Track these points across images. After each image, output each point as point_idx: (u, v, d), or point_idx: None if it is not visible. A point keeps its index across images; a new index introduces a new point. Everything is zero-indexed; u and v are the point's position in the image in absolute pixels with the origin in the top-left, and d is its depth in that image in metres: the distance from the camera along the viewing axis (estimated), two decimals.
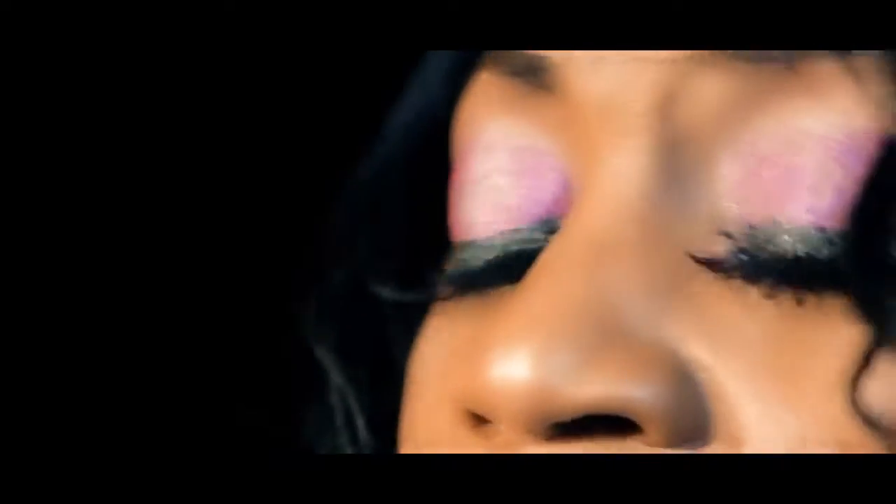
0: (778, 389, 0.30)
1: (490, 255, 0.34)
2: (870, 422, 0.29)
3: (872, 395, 0.29)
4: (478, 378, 0.30)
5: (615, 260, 0.30)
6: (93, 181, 0.61)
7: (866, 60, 0.30)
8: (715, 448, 0.30)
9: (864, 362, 0.29)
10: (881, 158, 0.30)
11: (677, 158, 0.32)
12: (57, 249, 0.62)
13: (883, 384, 0.29)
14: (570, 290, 0.30)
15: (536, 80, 0.33)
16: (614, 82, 0.32)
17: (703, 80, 0.32)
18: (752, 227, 0.31)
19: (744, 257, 0.31)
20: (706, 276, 0.31)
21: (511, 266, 0.33)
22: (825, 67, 0.31)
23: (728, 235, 0.31)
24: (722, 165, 0.32)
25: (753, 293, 0.31)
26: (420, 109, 0.38)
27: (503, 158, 0.34)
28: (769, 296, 0.30)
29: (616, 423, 0.30)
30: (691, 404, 0.30)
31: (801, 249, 0.30)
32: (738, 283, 0.31)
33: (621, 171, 0.31)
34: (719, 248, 0.31)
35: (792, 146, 0.31)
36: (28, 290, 0.61)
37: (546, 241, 0.32)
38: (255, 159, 0.59)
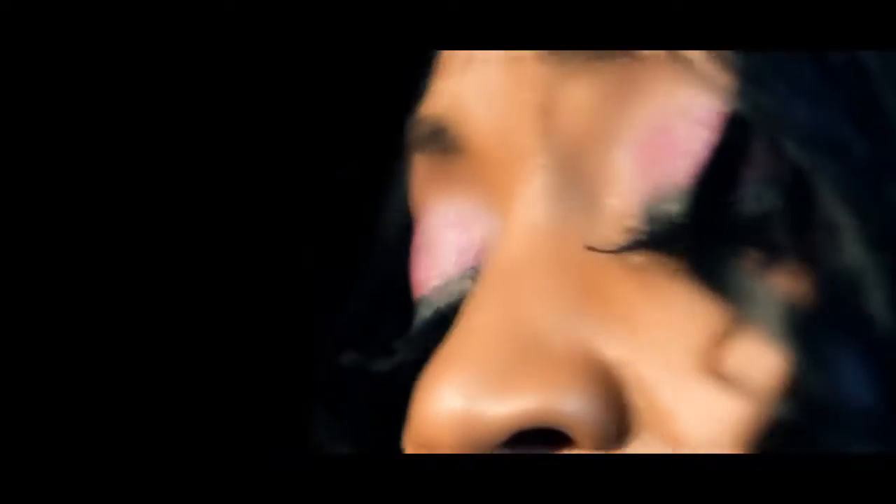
0: (686, 368, 0.30)
1: (429, 312, 0.36)
2: (732, 384, 0.29)
3: (730, 364, 0.30)
4: (414, 420, 0.32)
5: (525, 281, 0.32)
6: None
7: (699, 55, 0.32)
8: (644, 442, 0.30)
9: (719, 335, 0.30)
10: (725, 133, 0.31)
11: (573, 168, 0.33)
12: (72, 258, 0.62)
13: (739, 353, 0.30)
14: (484, 319, 0.32)
15: (444, 144, 0.35)
16: (496, 116, 0.34)
17: (571, 88, 0.33)
18: (645, 205, 0.32)
19: (642, 237, 0.31)
20: (617, 272, 0.32)
21: (449, 317, 0.34)
22: (662, 58, 0.32)
23: (631, 227, 0.32)
24: (615, 161, 0.33)
25: (653, 272, 0.31)
26: (401, 205, 0.40)
27: (437, 223, 0.36)
28: (666, 271, 0.31)
29: (552, 435, 0.31)
30: (614, 405, 0.31)
31: (687, 214, 0.31)
32: (639, 262, 0.31)
33: (524, 199, 0.33)
34: (624, 237, 0.32)
35: (666, 125, 0.32)
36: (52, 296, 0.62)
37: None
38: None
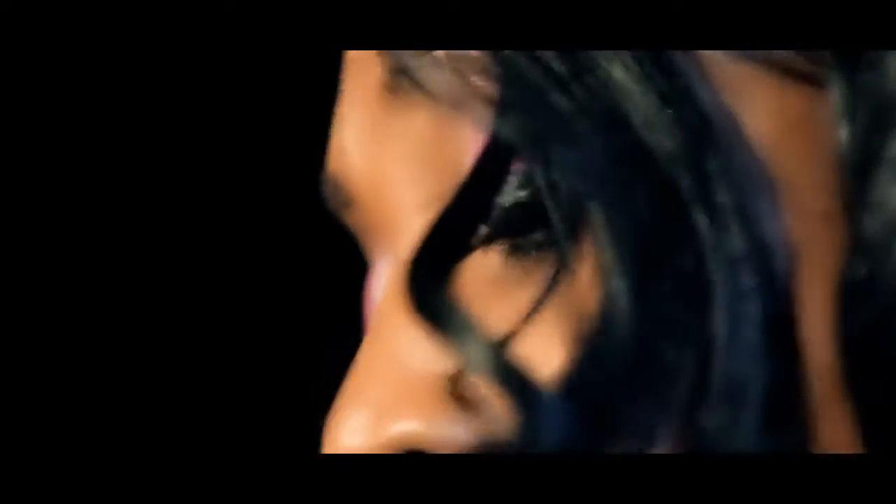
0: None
1: None
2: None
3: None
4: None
5: (397, 321, 0.33)
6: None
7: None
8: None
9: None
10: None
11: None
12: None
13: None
14: (368, 362, 0.34)
15: (342, 200, 0.37)
16: (367, 168, 0.36)
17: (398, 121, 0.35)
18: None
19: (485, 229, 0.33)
20: (480, 286, 0.33)
21: None
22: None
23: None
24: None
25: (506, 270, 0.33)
26: None
27: (371, 274, 0.38)
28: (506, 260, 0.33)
29: None
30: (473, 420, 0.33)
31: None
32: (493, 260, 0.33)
33: (403, 242, 0.34)
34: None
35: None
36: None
37: None
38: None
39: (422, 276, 0.32)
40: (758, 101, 0.32)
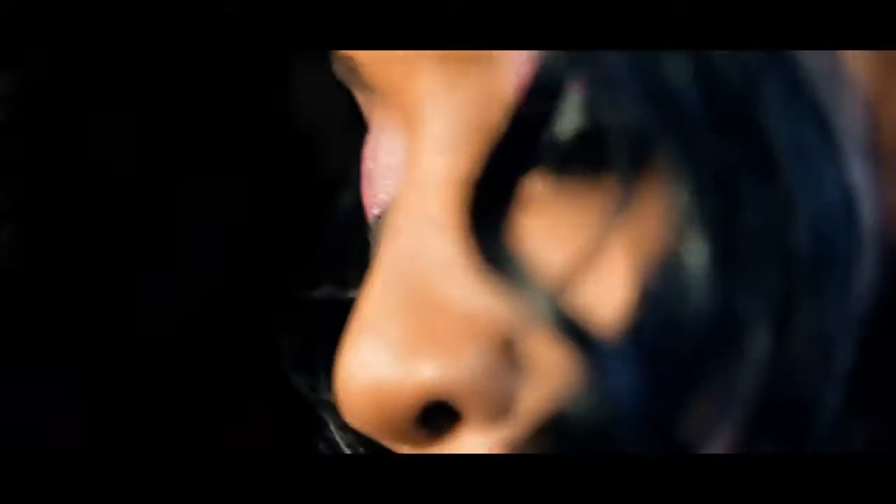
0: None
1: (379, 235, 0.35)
2: None
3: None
4: (336, 389, 0.31)
5: (425, 243, 0.31)
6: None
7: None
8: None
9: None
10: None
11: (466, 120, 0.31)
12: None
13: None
14: (387, 286, 0.31)
15: (361, 81, 0.34)
16: (398, 59, 0.32)
17: None
18: None
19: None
20: (535, 227, 0.30)
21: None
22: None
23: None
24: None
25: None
26: None
27: (374, 149, 0.35)
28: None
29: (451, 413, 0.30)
30: (504, 373, 0.30)
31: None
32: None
33: (422, 149, 0.32)
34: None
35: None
36: None
37: None
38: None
39: (482, 216, 0.29)
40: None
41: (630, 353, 0.27)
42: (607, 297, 0.29)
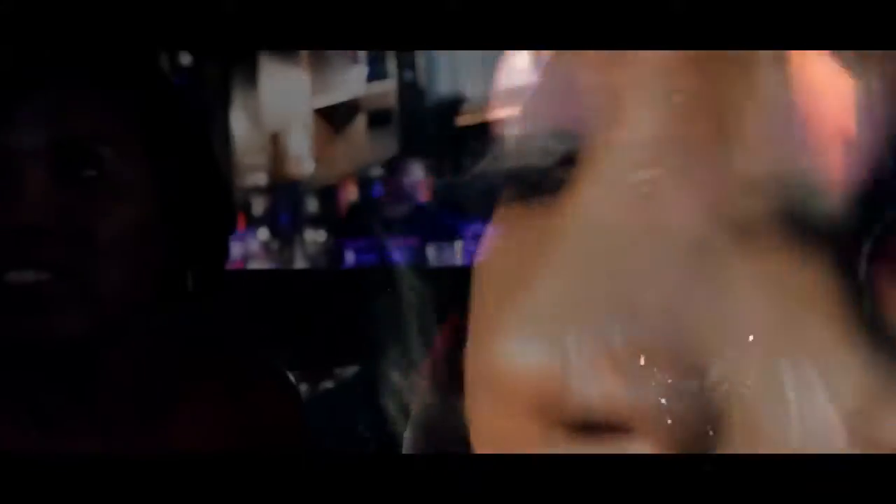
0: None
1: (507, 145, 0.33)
2: None
3: None
4: (495, 363, 0.30)
5: (625, 246, 0.28)
6: None
7: None
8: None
9: None
10: None
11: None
12: None
13: None
14: (578, 287, 0.29)
15: None
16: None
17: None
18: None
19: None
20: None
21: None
22: None
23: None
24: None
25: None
26: None
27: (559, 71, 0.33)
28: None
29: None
30: (698, 405, 0.28)
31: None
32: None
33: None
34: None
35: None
36: None
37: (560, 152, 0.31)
38: None
39: None
40: None
41: None
42: None
